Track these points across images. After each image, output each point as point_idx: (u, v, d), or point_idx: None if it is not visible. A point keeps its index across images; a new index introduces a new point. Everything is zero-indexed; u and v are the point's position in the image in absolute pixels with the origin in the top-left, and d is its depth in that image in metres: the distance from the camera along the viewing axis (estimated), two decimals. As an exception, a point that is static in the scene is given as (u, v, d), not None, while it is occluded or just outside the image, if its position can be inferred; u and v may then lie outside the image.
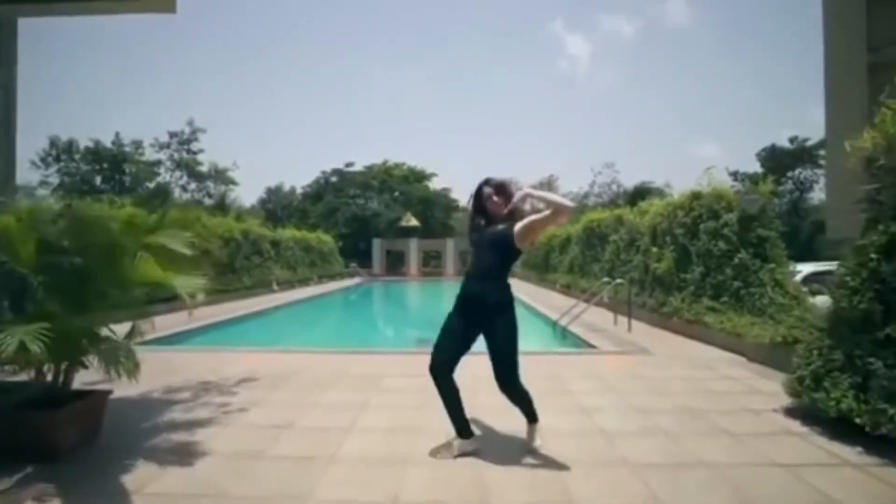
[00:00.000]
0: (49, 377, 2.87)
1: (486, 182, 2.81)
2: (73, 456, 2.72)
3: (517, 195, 2.67)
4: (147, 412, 3.52)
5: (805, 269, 8.30)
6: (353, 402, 3.76)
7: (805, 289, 6.45)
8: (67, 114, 45.21)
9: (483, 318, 2.70)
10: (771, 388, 4.11)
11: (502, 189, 2.77)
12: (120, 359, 2.73)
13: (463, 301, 2.77)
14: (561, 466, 2.63)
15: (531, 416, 2.87)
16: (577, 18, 62.69)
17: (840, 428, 3.05)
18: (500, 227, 2.71)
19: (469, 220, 2.90)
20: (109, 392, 3.06)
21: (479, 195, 2.80)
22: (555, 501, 2.28)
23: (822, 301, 6.01)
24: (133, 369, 2.79)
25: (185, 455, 2.78)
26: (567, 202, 2.66)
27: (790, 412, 3.50)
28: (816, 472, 2.57)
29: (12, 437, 2.69)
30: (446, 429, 2.87)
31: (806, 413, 3.37)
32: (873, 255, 3.05)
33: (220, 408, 3.64)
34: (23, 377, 2.93)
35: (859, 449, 2.84)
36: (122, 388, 3.91)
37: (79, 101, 48.28)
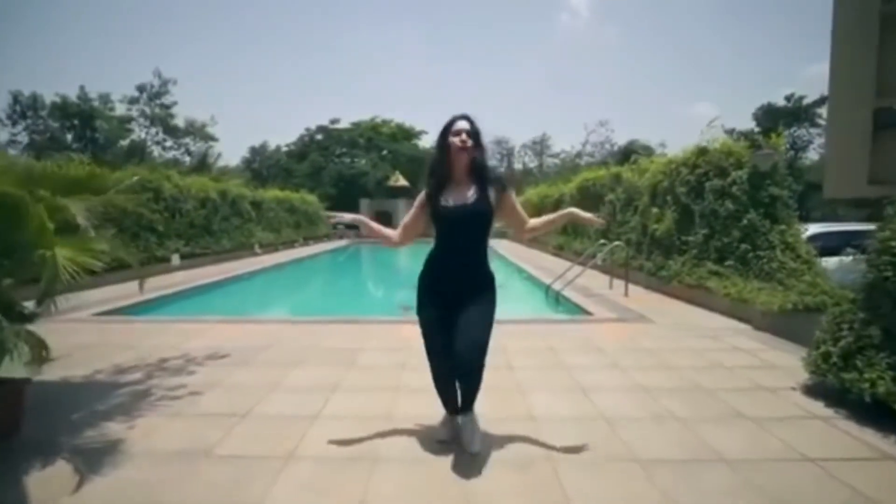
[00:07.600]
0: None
1: (465, 117, 2.30)
2: (-18, 456, 2.29)
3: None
4: (85, 398, 3.07)
5: (812, 229, 7.95)
6: (322, 384, 3.34)
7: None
8: (19, 64, 41.26)
9: (463, 298, 2.27)
10: (784, 362, 3.78)
11: (477, 137, 2.29)
12: (10, 345, 2.23)
13: (440, 286, 2.33)
14: (559, 462, 2.26)
15: (470, 405, 2.38)
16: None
17: (868, 412, 2.71)
18: (474, 195, 2.27)
19: (434, 167, 2.33)
20: (26, 381, 2.57)
21: (448, 130, 2.28)
22: (552, 513, 1.90)
23: (834, 263, 5.66)
24: (36, 356, 2.30)
25: (117, 454, 2.35)
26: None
27: (810, 391, 3.16)
28: (852, 468, 2.22)
29: None
30: (421, 417, 2.55)
31: (829, 394, 3.03)
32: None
33: (172, 391, 3.20)
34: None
35: (895, 438, 2.50)
36: (64, 369, 3.50)
37: (28, 48, 43.80)
